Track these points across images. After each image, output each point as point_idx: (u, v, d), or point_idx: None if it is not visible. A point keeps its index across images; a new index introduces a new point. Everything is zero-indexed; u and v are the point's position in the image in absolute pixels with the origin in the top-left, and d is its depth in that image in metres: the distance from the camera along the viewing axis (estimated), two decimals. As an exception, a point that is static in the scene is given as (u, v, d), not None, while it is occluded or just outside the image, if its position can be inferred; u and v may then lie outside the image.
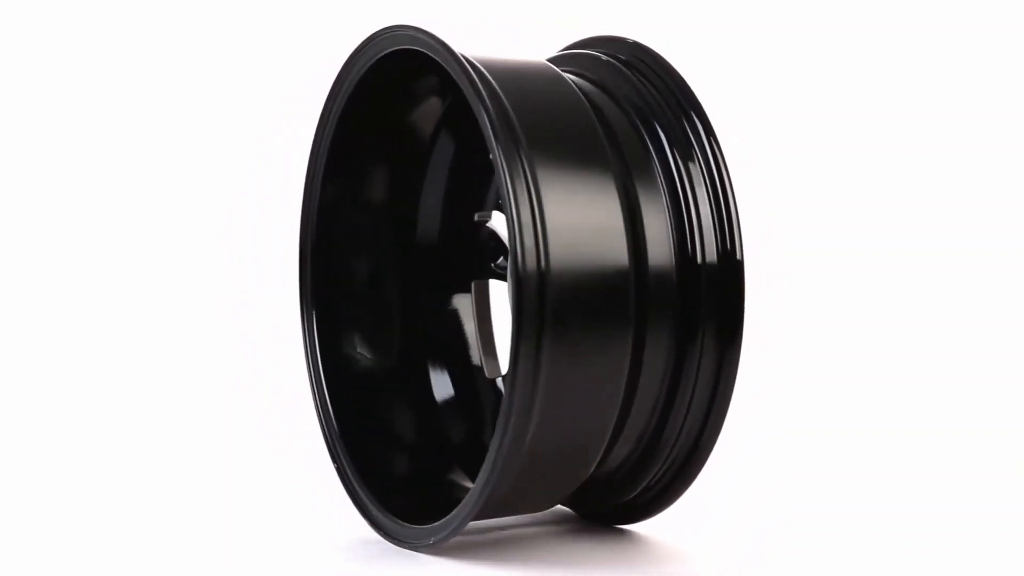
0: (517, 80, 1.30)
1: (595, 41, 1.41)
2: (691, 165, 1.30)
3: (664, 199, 1.29)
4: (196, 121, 2.27)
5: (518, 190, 1.20)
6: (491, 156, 1.22)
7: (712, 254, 1.28)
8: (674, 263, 1.28)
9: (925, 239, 2.26)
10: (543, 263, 1.20)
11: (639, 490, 1.36)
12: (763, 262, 2.10)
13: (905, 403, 1.99)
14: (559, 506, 1.45)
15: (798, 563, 1.32)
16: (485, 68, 1.28)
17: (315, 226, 1.44)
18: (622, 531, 1.40)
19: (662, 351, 1.28)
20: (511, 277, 1.21)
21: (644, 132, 1.32)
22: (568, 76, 1.35)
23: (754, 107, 2.25)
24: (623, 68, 1.36)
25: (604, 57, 1.37)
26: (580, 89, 1.33)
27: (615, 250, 1.24)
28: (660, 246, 1.28)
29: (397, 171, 1.49)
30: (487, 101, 1.22)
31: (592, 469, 1.31)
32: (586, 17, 1.35)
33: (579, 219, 1.23)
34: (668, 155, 1.30)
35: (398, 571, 1.28)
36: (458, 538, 1.33)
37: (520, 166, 1.21)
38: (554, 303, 1.20)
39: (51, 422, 1.92)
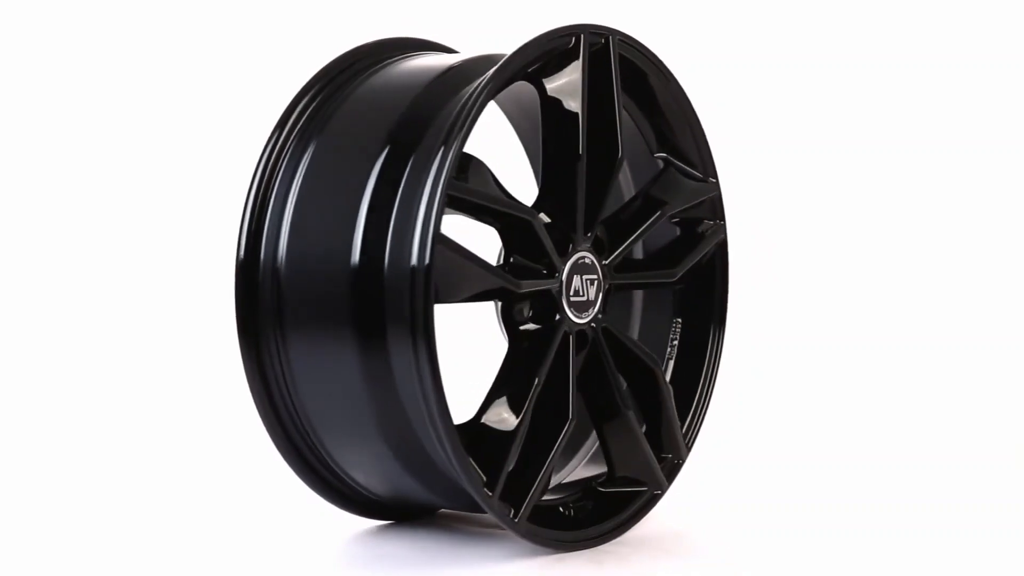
0: (380, 81, 1.35)
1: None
2: (420, 169, 1.26)
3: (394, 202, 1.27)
4: (193, 120, 2.28)
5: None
6: None
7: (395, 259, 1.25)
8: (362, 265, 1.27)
9: (925, 239, 2.27)
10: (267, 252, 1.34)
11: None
12: (762, 262, 2.12)
13: (905, 402, 2.00)
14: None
15: (798, 562, 1.33)
16: (382, 72, 1.35)
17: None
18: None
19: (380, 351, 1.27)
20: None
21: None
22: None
23: (752, 106, 2.26)
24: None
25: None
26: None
27: (332, 245, 1.28)
28: (369, 247, 1.27)
29: None
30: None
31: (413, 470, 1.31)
32: (586, 17, 1.35)
33: (318, 213, 1.30)
34: (435, 159, 1.25)
35: (398, 572, 1.29)
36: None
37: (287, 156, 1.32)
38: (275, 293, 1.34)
39: (50, 421, 1.92)
